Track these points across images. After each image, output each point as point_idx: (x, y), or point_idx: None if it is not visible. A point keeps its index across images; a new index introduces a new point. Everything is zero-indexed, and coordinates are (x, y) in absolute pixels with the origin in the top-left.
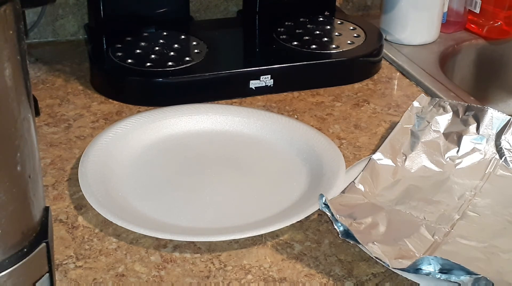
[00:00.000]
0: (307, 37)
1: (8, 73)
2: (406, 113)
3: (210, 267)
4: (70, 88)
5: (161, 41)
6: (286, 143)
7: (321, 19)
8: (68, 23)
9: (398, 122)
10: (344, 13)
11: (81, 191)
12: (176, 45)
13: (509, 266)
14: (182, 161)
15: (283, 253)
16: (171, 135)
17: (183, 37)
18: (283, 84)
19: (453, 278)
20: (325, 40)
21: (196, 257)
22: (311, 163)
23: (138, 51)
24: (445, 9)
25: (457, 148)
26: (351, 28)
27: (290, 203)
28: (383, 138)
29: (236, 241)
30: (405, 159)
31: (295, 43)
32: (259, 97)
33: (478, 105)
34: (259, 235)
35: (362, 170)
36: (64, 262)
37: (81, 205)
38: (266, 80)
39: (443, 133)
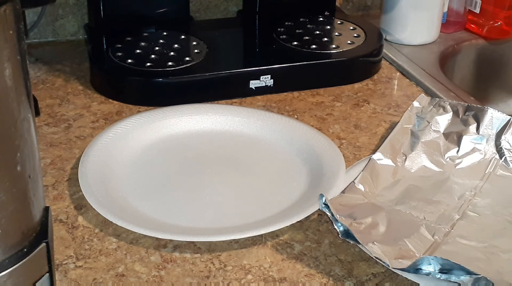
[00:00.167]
0: (307, 37)
1: (8, 73)
2: (406, 113)
3: (210, 267)
4: (70, 88)
5: (161, 41)
6: (286, 143)
7: (321, 19)
8: (68, 23)
9: (398, 122)
10: (344, 13)
11: (81, 191)
12: (176, 45)
13: (509, 266)
14: (182, 161)
15: (283, 253)
16: (171, 135)
17: (183, 37)
18: (283, 84)
19: (453, 278)
20: (325, 40)
21: (196, 257)
22: (311, 163)
23: (138, 51)
24: (445, 9)
25: (457, 148)
26: (351, 28)
27: (290, 203)
28: (383, 138)
29: (236, 241)
30: (405, 159)
31: (295, 43)
32: (259, 97)
33: (478, 105)
34: (259, 235)
35: (362, 170)
36: (64, 262)
37: (81, 205)
38: (266, 80)
39: (443, 133)
